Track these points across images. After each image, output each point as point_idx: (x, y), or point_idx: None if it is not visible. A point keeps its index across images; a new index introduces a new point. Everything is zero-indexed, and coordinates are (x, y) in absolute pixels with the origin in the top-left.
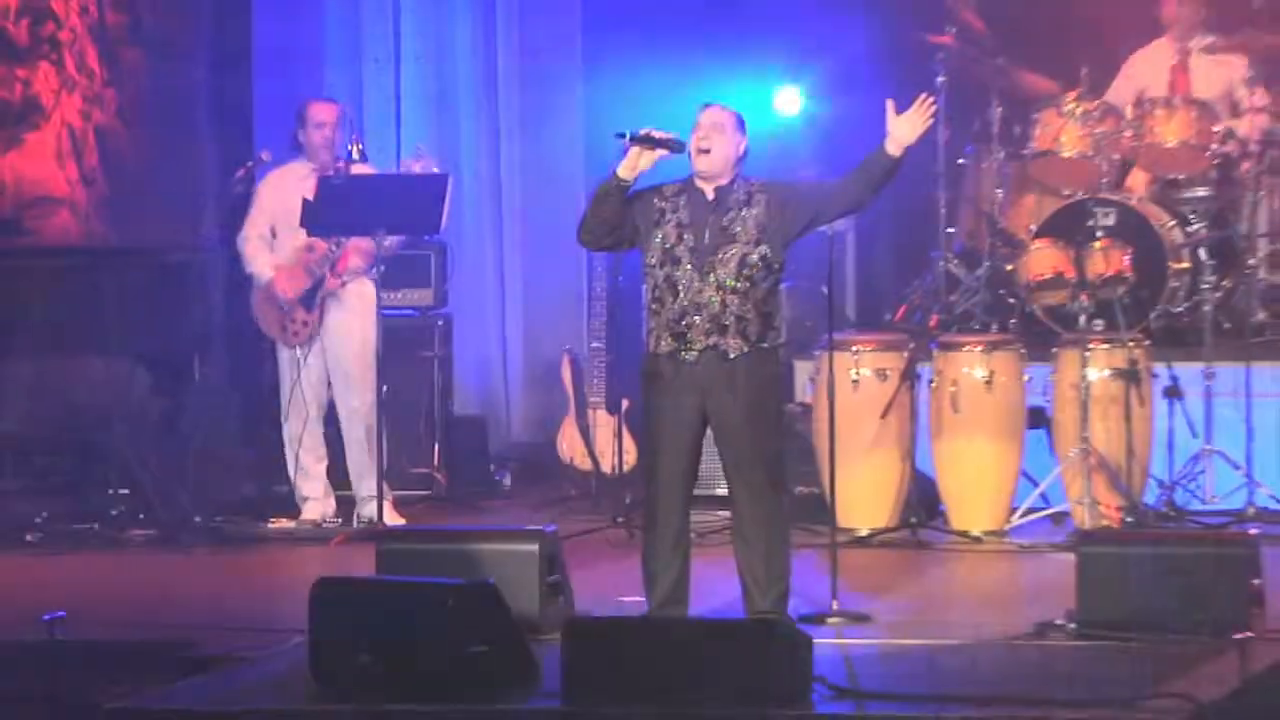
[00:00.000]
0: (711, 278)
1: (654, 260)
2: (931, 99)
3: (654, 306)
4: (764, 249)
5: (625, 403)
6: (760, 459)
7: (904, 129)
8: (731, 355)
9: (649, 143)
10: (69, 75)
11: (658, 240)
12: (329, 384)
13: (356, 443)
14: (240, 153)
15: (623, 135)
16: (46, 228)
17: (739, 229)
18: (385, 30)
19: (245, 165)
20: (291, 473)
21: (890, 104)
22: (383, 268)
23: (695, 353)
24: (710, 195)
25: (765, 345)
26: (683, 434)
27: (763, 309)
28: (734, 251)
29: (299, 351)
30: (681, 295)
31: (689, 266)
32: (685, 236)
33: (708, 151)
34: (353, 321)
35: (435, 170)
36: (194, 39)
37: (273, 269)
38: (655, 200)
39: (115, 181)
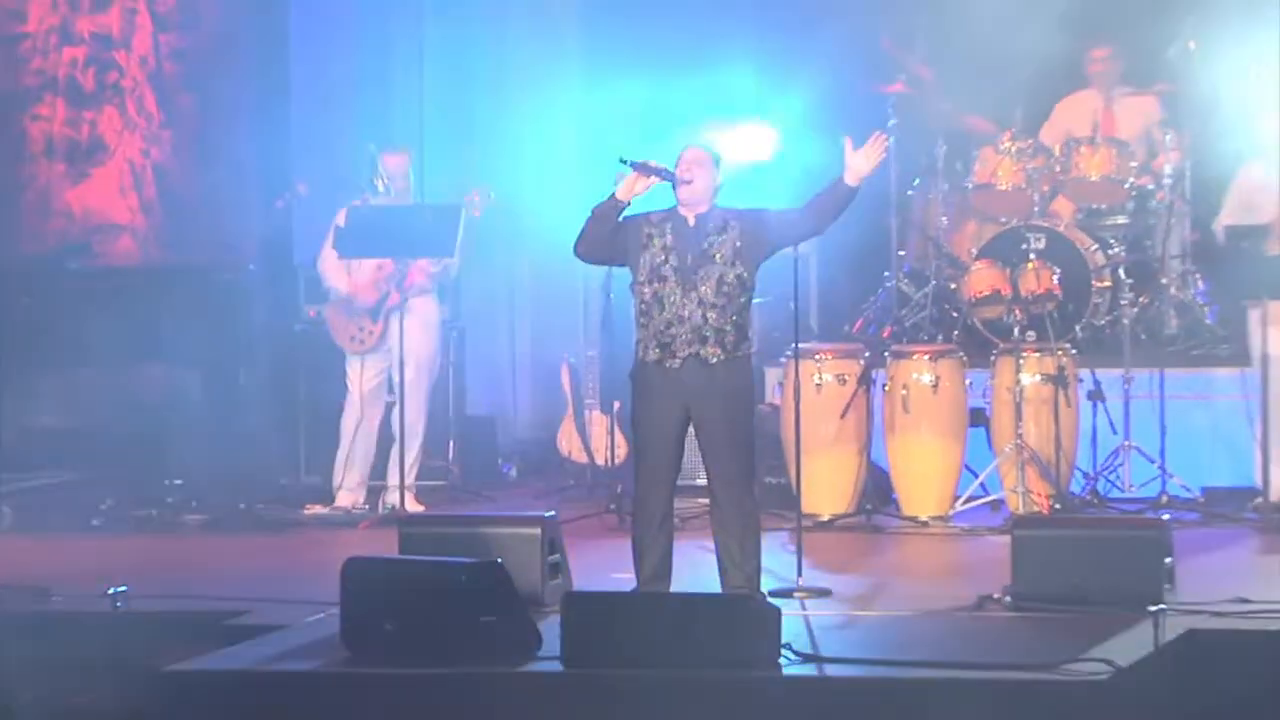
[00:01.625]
0: (694, 294)
1: (642, 278)
2: (884, 137)
3: (642, 320)
4: (739, 269)
5: (617, 404)
6: (736, 453)
7: (860, 162)
8: (712, 362)
9: (646, 171)
10: (130, 117)
11: (645, 261)
12: (389, 389)
13: (407, 440)
14: (279, 185)
15: (625, 162)
16: (111, 251)
17: (717, 252)
18: (412, 71)
19: (283, 196)
20: (340, 462)
21: (848, 140)
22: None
23: (679, 360)
24: (692, 222)
25: (740, 354)
26: (668, 432)
27: (738, 322)
28: (713, 272)
29: (363, 359)
30: (667, 310)
31: (674, 284)
32: (670, 258)
33: (690, 183)
34: (414, 334)
35: (492, 201)
36: (239, 86)
37: (349, 286)
38: (643, 226)
39: (170, 210)
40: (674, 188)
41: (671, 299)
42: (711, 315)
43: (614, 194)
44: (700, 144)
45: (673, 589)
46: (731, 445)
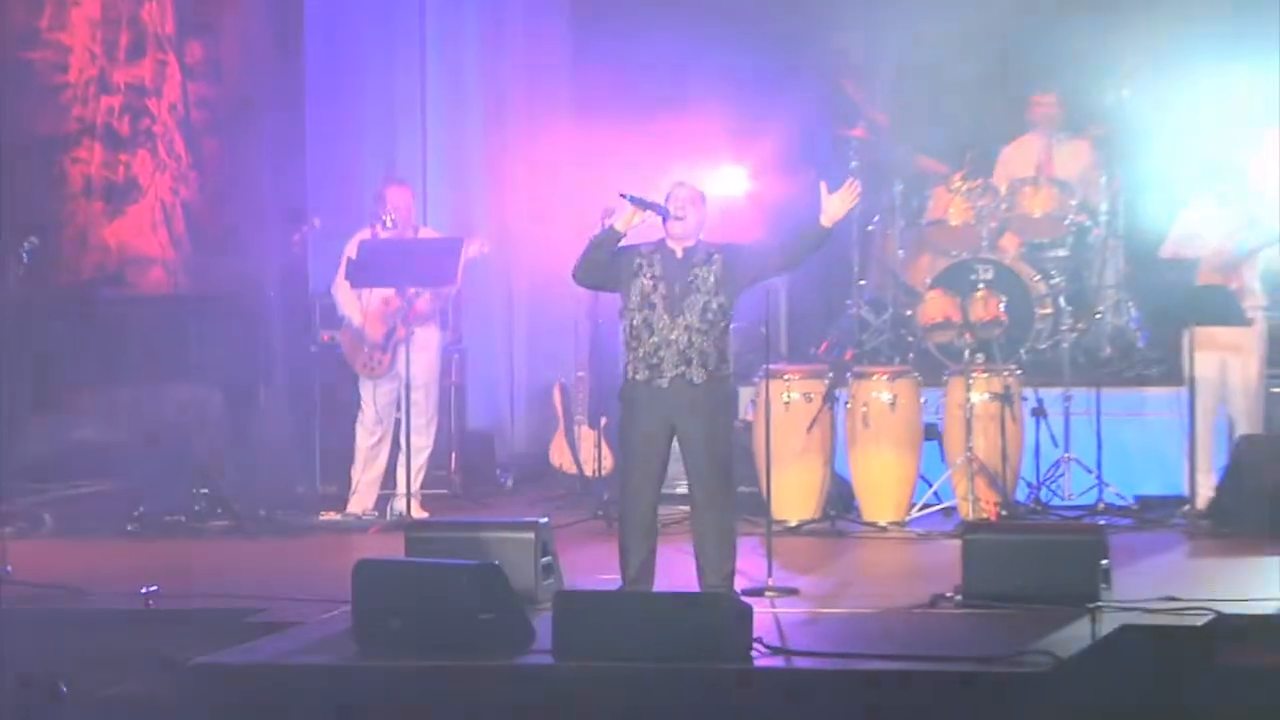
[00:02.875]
0: (680, 320)
1: (633, 304)
2: (856, 183)
3: (631, 343)
4: (721, 298)
5: (604, 420)
6: (716, 466)
7: (835, 205)
8: (696, 382)
9: (643, 205)
10: (161, 160)
11: (636, 289)
12: (397, 407)
13: (414, 453)
14: (295, 220)
15: (625, 196)
16: (143, 281)
17: (701, 282)
18: (415, 113)
19: (300, 230)
20: (356, 473)
21: (823, 185)
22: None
23: (666, 380)
24: (679, 254)
25: (721, 374)
26: (654, 445)
27: (719, 346)
28: (698, 300)
29: (374, 382)
30: (655, 334)
31: (662, 311)
32: (659, 287)
33: (682, 219)
34: (419, 361)
35: (488, 249)
36: (259, 130)
37: (361, 315)
38: (635, 257)
39: (197, 244)
40: (664, 222)
41: (660, 324)
42: (696, 339)
43: (612, 225)
44: (689, 183)
45: (654, 589)
46: (712, 458)
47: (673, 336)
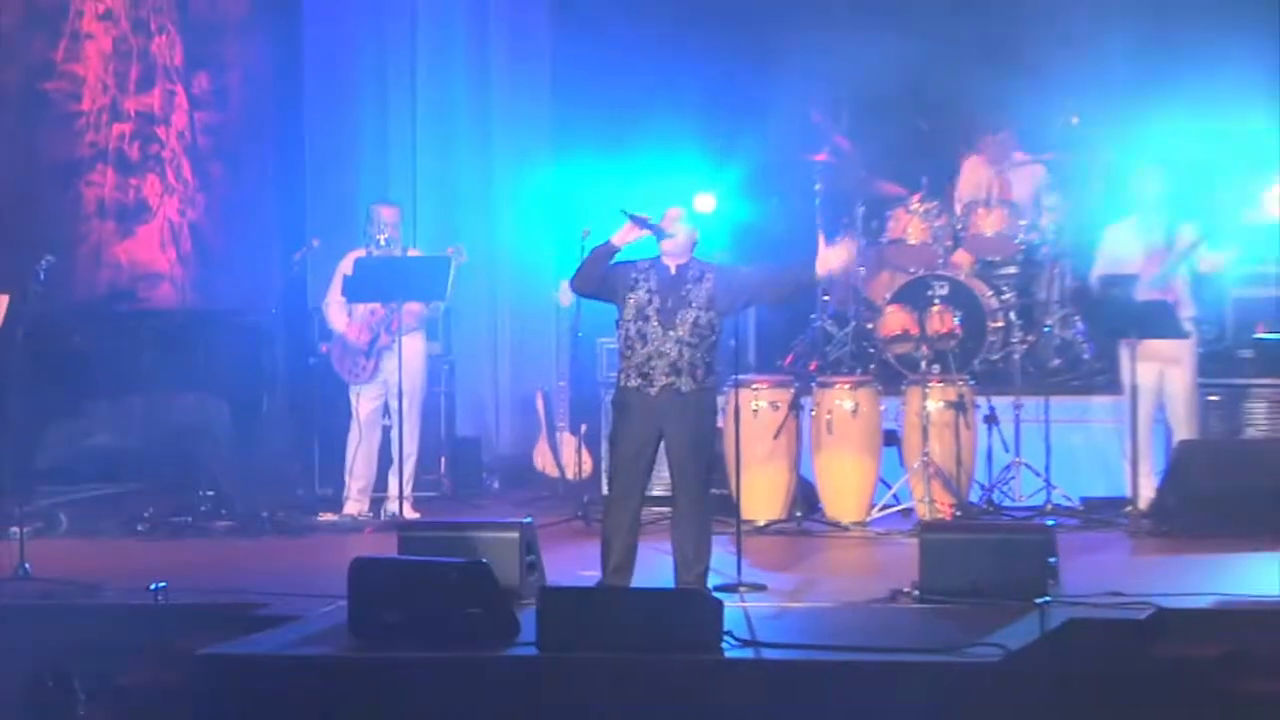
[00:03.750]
0: (672, 333)
1: (629, 316)
2: (853, 243)
3: (626, 352)
4: (711, 314)
5: (583, 426)
6: (699, 470)
7: (831, 258)
8: (684, 391)
9: (640, 223)
10: (170, 183)
11: (632, 302)
12: (385, 413)
13: (405, 457)
14: (296, 240)
15: (624, 213)
16: (153, 297)
17: (694, 298)
18: (406, 139)
19: (300, 249)
20: (348, 476)
21: (821, 235)
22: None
23: (657, 388)
24: (673, 271)
25: (707, 385)
26: (643, 449)
27: (707, 358)
28: (690, 315)
29: (360, 388)
30: (649, 345)
31: (656, 324)
32: (654, 300)
33: (675, 237)
34: (406, 368)
35: (465, 258)
36: (261, 156)
37: (345, 326)
38: (631, 272)
39: (204, 262)
40: (658, 240)
41: (653, 336)
42: (686, 351)
43: (610, 240)
44: (683, 205)
45: (632, 584)
46: (696, 463)
47: (665, 348)
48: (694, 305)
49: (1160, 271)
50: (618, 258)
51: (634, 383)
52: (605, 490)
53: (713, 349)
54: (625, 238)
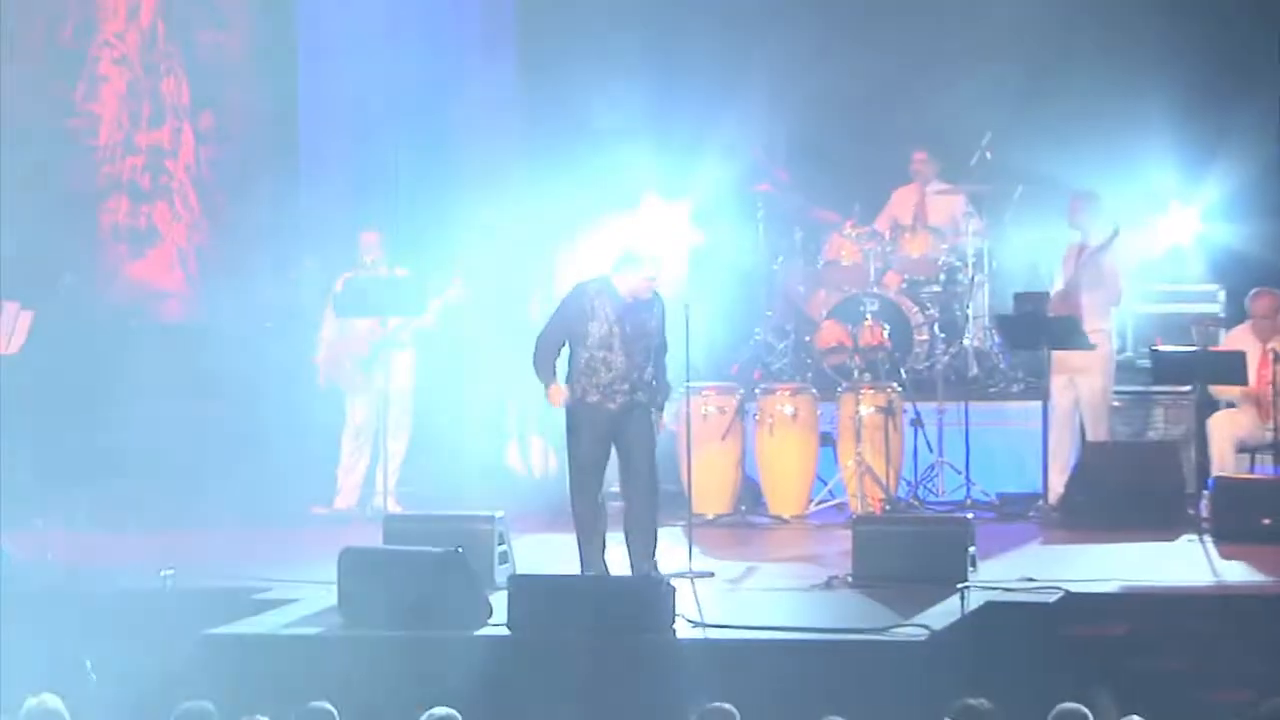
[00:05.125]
0: (634, 358)
1: (593, 343)
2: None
3: (586, 372)
4: (660, 337)
5: (549, 429)
6: (652, 471)
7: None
8: (640, 403)
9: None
10: (178, 211)
11: (594, 330)
12: (376, 417)
13: (390, 457)
14: (291, 261)
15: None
16: (162, 312)
17: (650, 325)
18: (389, 172)
19: (294, 269)
20: (341, 474)
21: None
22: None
23: (617, 404)
24: (629, 300)
25: (654, 397)
26: (601, 457)
27: (659, 374)
28: (645, 342)
29: (355, 395)
30: (614, 369)
31: (619, 351)
32: (613, 330)
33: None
34: (396, 380)
35: (464, 292)
36: (260, 186)
37: (328, 344)
38: (583, 300)
39: (208, 281)
40: (610, 273)
41: (617, 362)
42: (644, 371)
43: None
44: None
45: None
46: (650, 465)
47: (626, 370)
48: (651, 331)
49: (1076, 269)
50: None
51: (593, 399)
52: (572, 500)
53: (661, 365)
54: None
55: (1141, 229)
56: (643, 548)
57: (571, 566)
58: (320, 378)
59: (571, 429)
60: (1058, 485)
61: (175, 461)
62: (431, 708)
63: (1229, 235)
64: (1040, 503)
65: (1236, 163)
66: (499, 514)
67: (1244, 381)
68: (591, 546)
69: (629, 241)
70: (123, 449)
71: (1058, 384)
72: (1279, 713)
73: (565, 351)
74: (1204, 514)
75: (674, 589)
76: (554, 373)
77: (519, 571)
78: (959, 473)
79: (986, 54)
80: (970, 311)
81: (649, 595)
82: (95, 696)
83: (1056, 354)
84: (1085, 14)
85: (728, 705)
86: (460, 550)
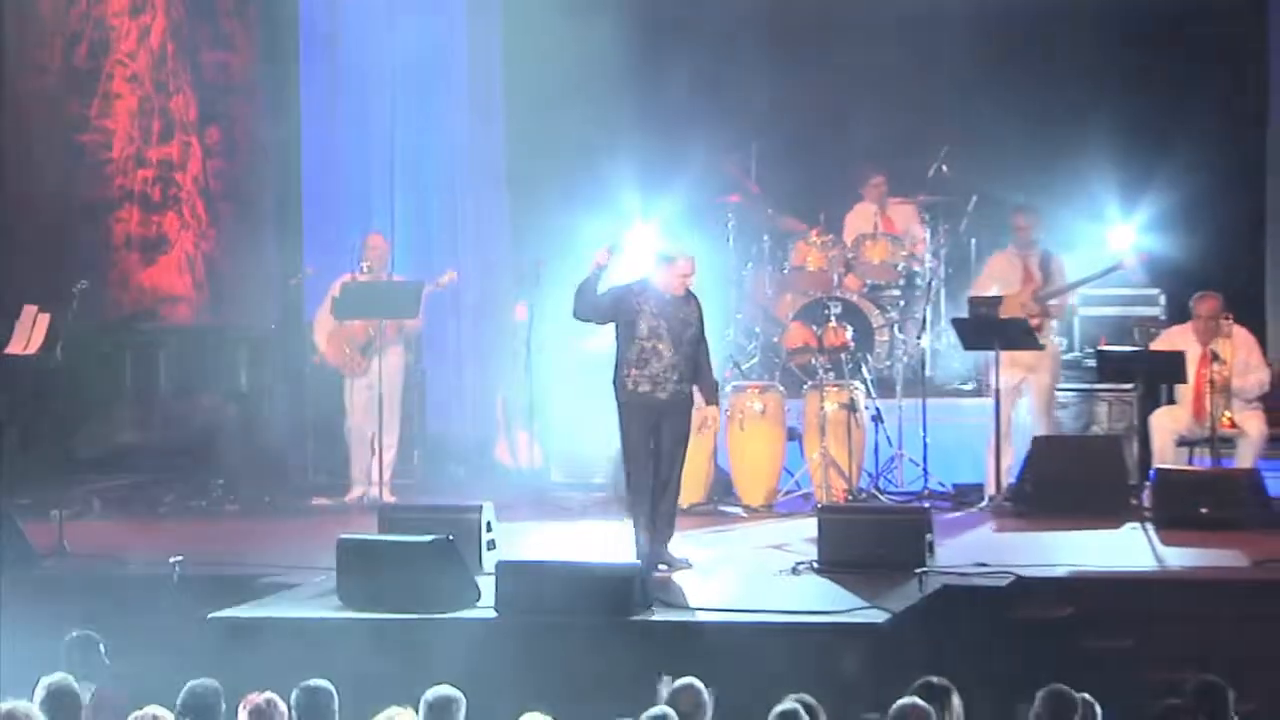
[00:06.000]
0: (681, 351)
1: (641, 335)
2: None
3: (639, 363)
4: (699, 329)
5: (535, 424)
6: (678, 462)
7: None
8: (685, 393)
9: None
10: (186, 220)
11: (641, 322)
12: (371, 412)
13: (384, 450)
14: (293, 267)
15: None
16: (172, 315)
17: (691, 319)
18: (386, 182)
19: (296, 275)
20: (351, 462)
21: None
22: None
23: (666, 393)
24: (668, 297)
25: (691, 388)
26: (648, 441)
27: (698, 366)
28: (690, 333)
29: (353, 380)
30: (663, 359)
31: (665, 342)
32: (659, 324)
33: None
34: (385, 374)
35: (456, 278)
36: (264, 196)
37: (326, 341)
38: (630, 298)
39: (215, 286)
40: (657, 271)
41: (666, 352)
42: (687, 362)
43: (590, 270)
44: (690, 257)
45: (592, 558)
46: (680, 457)
47: (674, 361)
48: (692, 325)
49: (1043, 284)
50: (605, 281)
51: (644, 388)
52: (626, 480)
53: (701, 356)
54: (600, 264)
55: (1086, 241)
56: (661, 533)
57: (553, 553)
58: (317, 357)
59: (622, 422)
60: (1009, 477)
61: (183, 455)
62: (424, 685)
63: (1167, 245)
64: (992, 493)
65: (1172, 179)
66: (487, 504)
67: (1183, 379)
68: (639, 528)
69: (663, 243)
70: (135, 444)
71: (1009, 381)
72: (1212, 688)
73: (613, 347)
74: (1146, 503)
75: (651, 573)
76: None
77: (505, 558)
78: (917, 465)
79: (939, 76)
80: (927, 314)
81: (627, 580)
82: (108, 676)
83: (1007, 353)
84: (1033, 42)
85: (696, 682)
86: (450, 538)
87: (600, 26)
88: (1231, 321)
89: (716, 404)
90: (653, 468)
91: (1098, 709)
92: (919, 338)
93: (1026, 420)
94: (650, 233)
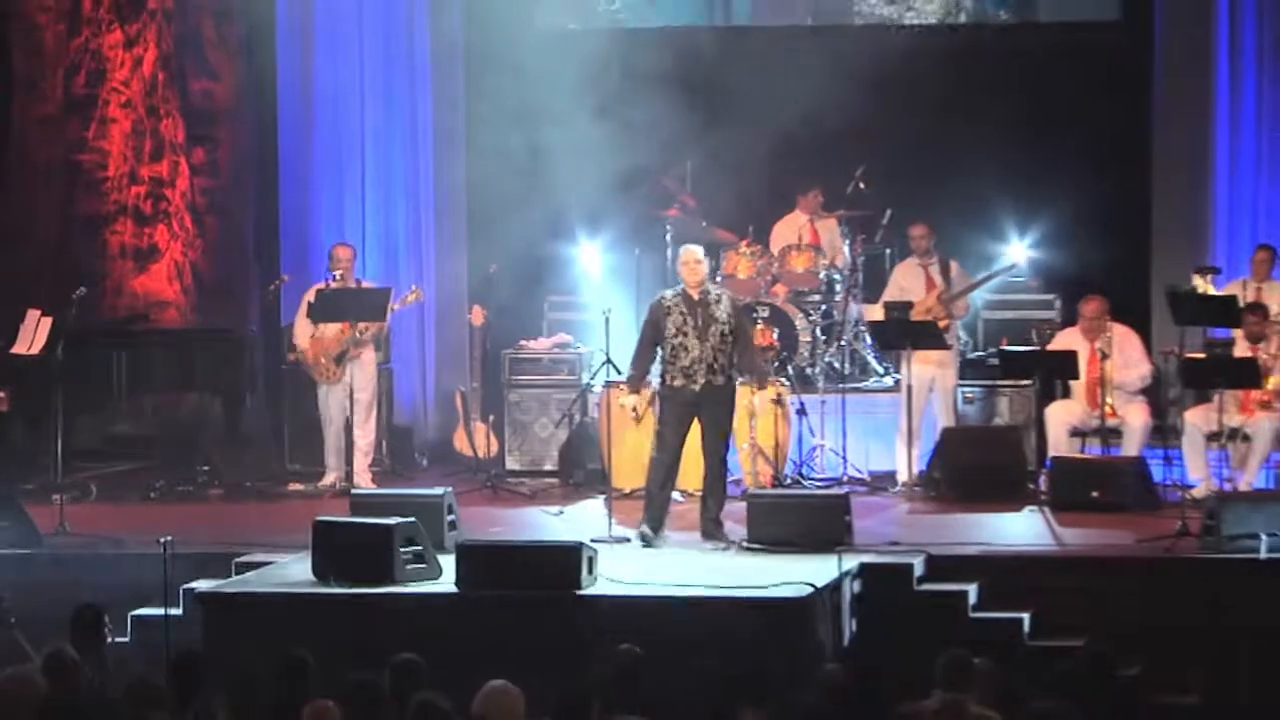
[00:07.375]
0: (706, 344)
1: (671, 334)
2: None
3: (670, 359)
4: (728, 325)
5: (491, 417)
6: (725, 444)
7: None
8: (718, 384)
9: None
10: (175, 232)
11: (670, 322)
12: (344, 408)
13: (357, 444)
14: (272, 274)
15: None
16: (162, 319)
17: (718, 315)
18: (357, 200)
19: (274, 282)
20: (327, 454)
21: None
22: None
23: (699, 386)
24: (696, 296)
25: (730, 377)
26: (684, 431)
27: (730, 358)
28: (716, 328)
29: (328, 387)
30: (691, 353)
31: (694, 338)
32: (689, 320)
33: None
34: (360, 374)
35: (422, 297)
36: (245, 210)
37: (309, 342)
38: (660, 306)
39: (201, 292)
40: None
41: (693, 347)
42: (717, 355)
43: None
44: (695, 247)
45: (587, 539)
46: (724, 443)
47: (702, 355)
48: (719, 320)
49: (949, 291)
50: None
51: (679, 382)
52: (655, 454)
53: (732, 351)
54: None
55: (986, 257)
56: (711, 511)
57: (508, 534)
58: (293, 355)
59: (661, 415)
60: (917, 464)
61: (172, 445)
62: (391, 654)
63: (1062, 257)
64: (905, 479)
65: (1064, 196)
66: (448, 490)
67: (1077, 376)
68: (654, 504)
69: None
70: (128, 435)
71: (920, 378)
72: (1102, 653)
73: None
74: (1043, 488)
75: (596, 551)
76: (636, 379)
77: (465, 539)
78: (837, 454)
79: (856, 103)
80: (846, 317)
81: (575, 558)
82: (108, 647)
83: (918, 352)
84: (932, 81)
85: (635, 648)
86: (415, 520)
87: (556, 59)
88: (1110, 320)
89: (761, 387)
90: (704, 453)
91: (997, 672)
92: (839, 339)
93: (935, 413)
94: (595, 247)
